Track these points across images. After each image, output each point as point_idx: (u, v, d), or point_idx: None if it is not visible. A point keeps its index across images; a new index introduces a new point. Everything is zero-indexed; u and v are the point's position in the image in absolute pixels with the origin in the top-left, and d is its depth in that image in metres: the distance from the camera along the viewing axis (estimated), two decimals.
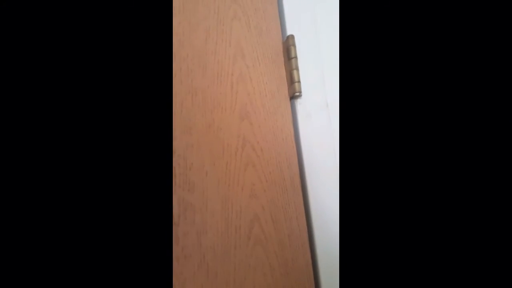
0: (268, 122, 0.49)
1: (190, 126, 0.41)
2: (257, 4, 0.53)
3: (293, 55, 0.53)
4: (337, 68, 0.52)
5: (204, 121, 0.42)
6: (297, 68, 0.53)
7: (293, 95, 0.52)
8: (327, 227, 0.47)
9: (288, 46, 0.54)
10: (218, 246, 0.39)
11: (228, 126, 0.44)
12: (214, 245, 0.39)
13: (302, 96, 0.52)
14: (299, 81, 0.52)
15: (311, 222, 0.48)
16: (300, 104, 0.52)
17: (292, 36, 0.53)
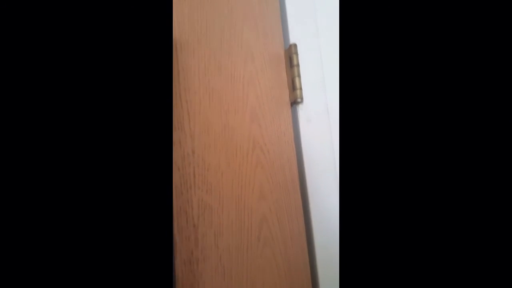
0: (273, 125, 0.50)
1: (208, 126, 0.40)
2: (262, 10, 0.54)
3: (295, 63, 0.55)
4: (337, 73, 0.55)
5: (220, 122, 0.42)
6: (299, 76, 0.55)
7: (295, 101, 0.54)
8: (326, 228, 0.50)
9: (290, 54, 0.56)
10: (232, 247, 0.39)
11: (240, 128, 0.44)
12: (229, 247, 0.39)
13: (304, 102, 0.55)
14: (300, 88, 0.54)
15: (311, 224, 0.50)
16: (301, 109, 0.55)
17: (295, 45, 0.56)
